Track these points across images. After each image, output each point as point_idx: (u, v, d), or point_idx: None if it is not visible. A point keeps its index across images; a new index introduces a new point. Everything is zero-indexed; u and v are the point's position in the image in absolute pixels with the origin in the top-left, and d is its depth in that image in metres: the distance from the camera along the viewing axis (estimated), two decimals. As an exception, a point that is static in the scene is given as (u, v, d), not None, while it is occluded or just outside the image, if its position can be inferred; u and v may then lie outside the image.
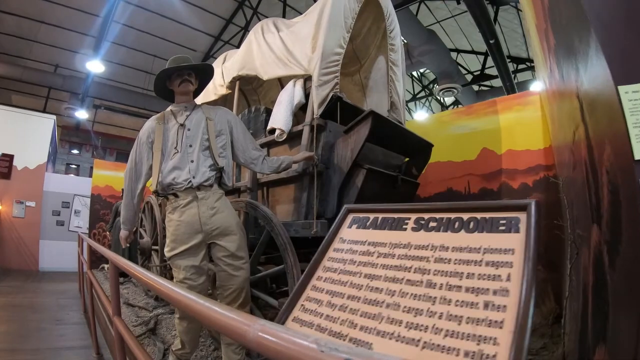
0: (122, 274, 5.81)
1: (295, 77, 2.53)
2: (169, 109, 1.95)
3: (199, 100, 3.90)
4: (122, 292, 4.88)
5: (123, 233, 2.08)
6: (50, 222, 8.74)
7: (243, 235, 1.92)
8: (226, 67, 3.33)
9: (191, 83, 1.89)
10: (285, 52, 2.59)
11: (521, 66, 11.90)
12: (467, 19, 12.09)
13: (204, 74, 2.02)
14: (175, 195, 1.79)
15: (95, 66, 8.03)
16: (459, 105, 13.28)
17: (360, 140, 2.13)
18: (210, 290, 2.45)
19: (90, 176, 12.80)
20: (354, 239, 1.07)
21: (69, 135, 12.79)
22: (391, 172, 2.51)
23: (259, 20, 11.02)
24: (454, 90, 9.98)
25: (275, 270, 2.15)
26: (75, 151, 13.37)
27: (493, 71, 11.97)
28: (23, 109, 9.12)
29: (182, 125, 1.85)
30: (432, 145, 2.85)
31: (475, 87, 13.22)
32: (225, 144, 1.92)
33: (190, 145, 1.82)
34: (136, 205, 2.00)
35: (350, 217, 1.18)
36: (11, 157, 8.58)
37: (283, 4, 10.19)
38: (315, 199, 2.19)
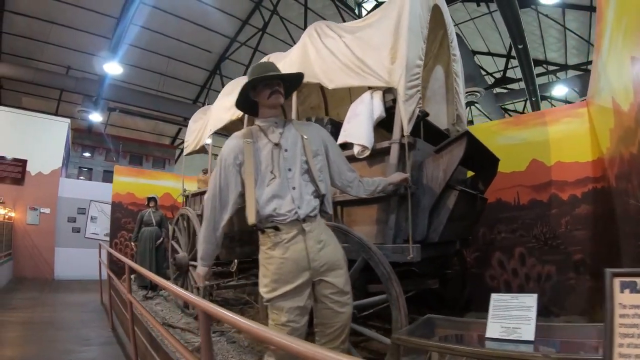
0: (152, 287, 5.36)
1: (371, 88, 2.33)
2: (256, 124, 1.64)
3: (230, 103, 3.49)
4: (154, 308, 4.43)
5: (201, 270, 1.69)
6: (65, 229, 8.28)
7: (347, 268, 1.66)
8: None
9: (282, 95, 1.61)
10: (355, 60, 2.38)
11: (538, 69, 11.53)
12: (486, 22, 11.76)
13: (290, 85, 1.72)
14: (277, 229, 1.49)
15: (112, 68, 7.58)
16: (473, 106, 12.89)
17: (454, 161, 2.01)
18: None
19: (103, 180, 12.39)
20: (636, 303, 0.92)
21: (81, 139, 12.31)
22: (472, 191, 2.39)
23: (283, 21, 10.72)
24: (477, 93, 9.60)
25: (375, 300, 1.93)
26: (87, 154, 12.88)
27: (510, 73, 11.65)
28: (36, 112, 8.65)
29: (277, 145, 1.56)
30: (499, 160, 2.63)
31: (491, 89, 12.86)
32: (322, 165, 1.64)
33: (290, 169, 1.54)
34: (219, 239, 1.65)
35: (616, 281, 1.00)
36: (24, 162, 8.12)
37: (305, 8, 9.77)
38: (408, 221, 1.98)
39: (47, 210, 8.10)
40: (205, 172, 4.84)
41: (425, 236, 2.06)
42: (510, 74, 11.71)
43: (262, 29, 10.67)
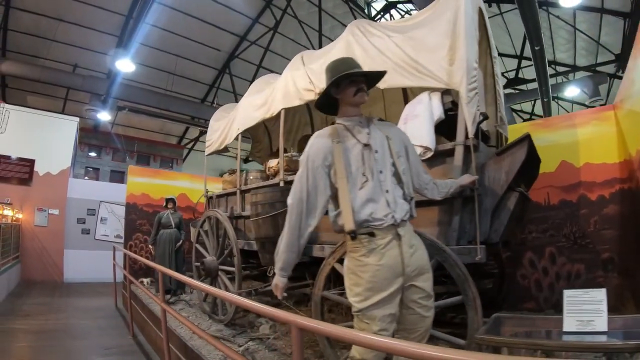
0: (167, 291, 5.08)
1: (429, 89, 2.32)
2: (340, 123, 1.56)
3: (277, 104, 3.24)
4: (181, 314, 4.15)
5: (281, 281, 1.55)
6: (74, 231, 7.98)
7: None
8: (313, 70, 2.92)
9: (367, 93, 1.56)
10: (409, 60, 2.33)
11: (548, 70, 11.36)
12: (496, 23, 11.58)
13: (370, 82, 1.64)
14: (371, 235, 1.41)
15: (125, 65, 7.29)
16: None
17: (516, 164, 2.07)
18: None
19: (111, 180, 12.08)
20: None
21: (88, 138, 11.96)
22: (526, 192, 2.39)
23: (298, 20, 10.47)
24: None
25: (451, 302, 1.90)
26: (92, 154, 12.53)
27: (519, 73, 11.49)
28: (44, 111, 8.33)
29: (367, 145, 1.48)
30: (541, 161, 2.63)
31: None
32: (405, 167, 1.58)
33: (381, 171, 1.47)
34: (302, 247, 1.54)
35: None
36: (32, 162, 7.81)
37: (319, 8, 9.53)
38: (472, 223, 1.99)
39: (55, 212, 7.80)
40: (231, 172, 4.56)
41: (486, 237, 2.04)
42: (519, 74, 11.57)
43: (274, 28, 10.41)
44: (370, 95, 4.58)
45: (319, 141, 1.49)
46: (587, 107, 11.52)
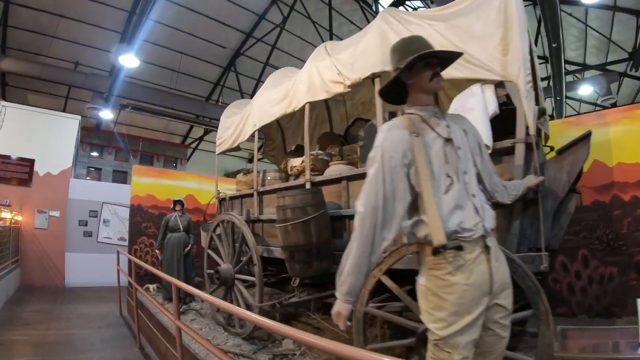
0: (182, 299, 4.73)
1: (481, 81, 2.17)
2: (414, 113, 1.32)
3: (300, 98, 2.96)
4: (191, 326, 3.82)
5: (345, 309, 1.24)
6: (76, 233, 7.63)
7: None
8: (341, 61, 2.70)
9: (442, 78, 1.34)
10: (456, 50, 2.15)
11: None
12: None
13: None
14: (458, 249, 1.18)
15: (129, 60, 6.94)
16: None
17: (579, 163, 1.98)
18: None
19: (113, 181, 11.72)
20: None
21: (89, 137, 11.59)
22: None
23: (310, 18, 10.13)
24: (505, 90, 9.13)
25: (520, 316, 1.68)
26: (94, 154, 12.16)
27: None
28: (44, 109, 7.98)
29: (449, 140, 1.27)
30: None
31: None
32: (481, 167, 1.39)
33: (465, 172, 1.27)
34: (372, 266, 1.29)
35: None
36: (31, 161, 7.46)
37: (329, 6, 9.20)
38: (533, 228, 1.86)
39: (56, 213, 7.45)
40: (246, 172, 4.24)
41: (548, 242, 1.87)
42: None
43: (281, 25, 10.07)
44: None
45: (394, 133, 1.23)
46: (598, 106, 11.27)
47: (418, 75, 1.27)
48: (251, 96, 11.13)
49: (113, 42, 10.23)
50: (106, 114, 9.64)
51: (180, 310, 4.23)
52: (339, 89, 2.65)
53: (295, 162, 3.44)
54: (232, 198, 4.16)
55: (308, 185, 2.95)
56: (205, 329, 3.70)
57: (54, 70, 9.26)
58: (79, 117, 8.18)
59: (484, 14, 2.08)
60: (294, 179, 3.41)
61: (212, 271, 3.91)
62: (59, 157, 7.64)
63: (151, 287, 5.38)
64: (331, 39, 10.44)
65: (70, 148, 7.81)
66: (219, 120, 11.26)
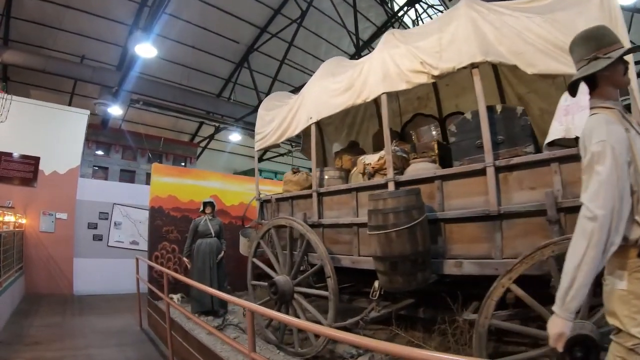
0: (206, 312, 4.13)
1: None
2: (611, 107, 1.22)
3: (373, 88, 2.69)
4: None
5: (566, 327, 1.11)
6: (85, 237, 6.98)
7: None
8: (423, 49, 2.51)
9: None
10: (561, 44, 1.99)
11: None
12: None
13: None
14: None
15: (146, 50, 6.34)
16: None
17: None
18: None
19: (120, 180, 11.02)
20: None
21: (96, 135, 10.90)
22: None
23: (325, 14, 9.63)
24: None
25: None
26: (100, 152, 11.45)
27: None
28: (51, 103, 7.32)
29: None
30: None
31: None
32: None
33: None
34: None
35: None
36: (36, 159, 6.81)
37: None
38: None
39: (63, 216, 6.80)
40: (295, 171, 3.70)
41: None
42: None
43: (299, 20, 9.50)
44: (460, 84, 3.88)
45: (615, 128, 1.16)
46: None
47: (613, 67, 1.21)
48: (266, 95, 10.67)
49: (122, 35, 9.62)
50: (115, 110, 8.97)
51: (218, 325, 3.65)
52: (422, 79, 2.45)
53: (370, 160, 2.95)
54: (280, 200, 3.60)
55: (391, 186, 2.54)
56: (260, 349, 3.11)
57: (59, 63, 8.59)
58: (88, 112, 7.54)
59: (585, 11, 1.97)
60: (368, 178, 2.91)
61: (260, 283, 3.36)
62: (66, 154, 7.00)
63: (175, 297, 4.78)
64: (358, 38, 9.97)
65: (78, 145, 7.18)
66: (231, 117, 10.63)
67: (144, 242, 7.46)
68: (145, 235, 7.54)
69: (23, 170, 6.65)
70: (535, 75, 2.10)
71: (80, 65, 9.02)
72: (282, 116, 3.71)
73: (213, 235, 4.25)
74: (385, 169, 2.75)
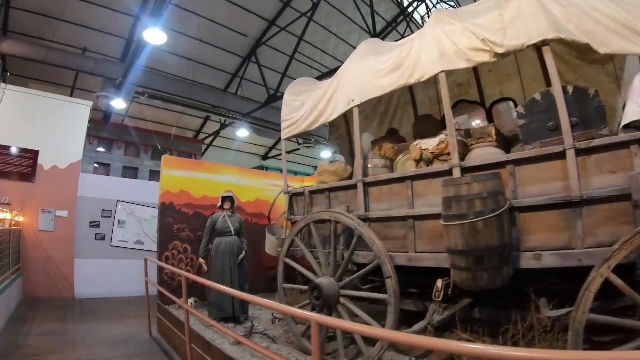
0: (226, 319, 3.63)
1: None
2: None
3: (428, 67, 2.50)
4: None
5: None
6: (87, 236, 6.48)
7: None
8: (484, 27, 2.34)
9: None
10: (632, 25, 1.86)
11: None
12: None
13: None
14: None
15: (154, 36, 5.87)
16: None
17: None
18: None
19: (122, 177, 10.51)
20: None
21: (97, 130, 10.36)
22: None
23: (334, 7, 9.31)
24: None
25: None
26: (101, 149, 10.90)
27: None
28: (51, 94, 6.82)
29: None
30: None
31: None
32: None
33: None
34: None
35: None
36: (35, 153, 6.31)
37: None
38: None
39: (64, 214, 6.29)
40: (332, 160, 3.28)
41: None
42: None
43: (309, 14, 9.08)
44: (503, 70, 3.67)
45: None
46: None
47: None
48: (276, 91, 10.25)
49: (126, 27, 9.13)
50: (118, 104, 8.47)
51: (244, 334, 3.18)
52: (484, 57, 2.29)
53: (428, 145, 2.58)
54: (314, 192, 3.16)
55: (457, 172, 2.22)
56: (292, 363, 2.66)
57: (60, 54, 8.09)
58: (91, 103, 7.05)
59: None
60: (425, 165, 2.58)
61: (296, 287, 2.92)
62: (67, 148, 6.51)
63: (189, 301, 4.30)
64: (374, 25, 9.56)
65: (80, 138, 6.69)
66: (238, 112, 10.11)
67: (149, 242, 6.98)
68: (151, 234, 7.07)
69: (21, 165, 6.14)
70: (586, 59, 2.25)
71: (82, 57, 8.53)
72: (315, 101, 3.31)
73: (233, 233, 3.79)
74: (446, 154, 2.50)
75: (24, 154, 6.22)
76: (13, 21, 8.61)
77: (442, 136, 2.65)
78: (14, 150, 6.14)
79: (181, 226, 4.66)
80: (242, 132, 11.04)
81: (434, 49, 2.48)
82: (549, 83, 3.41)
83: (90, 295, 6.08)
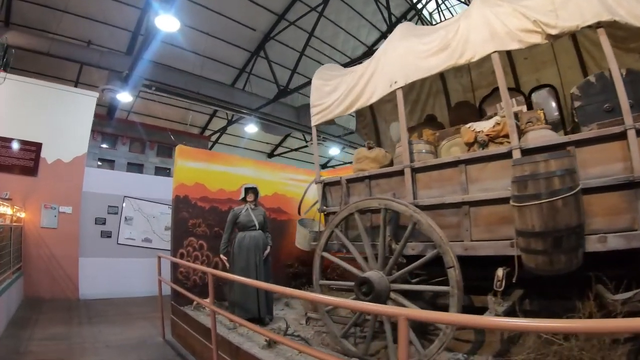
0: (250, 320, 3.25)
1: None
2: None
3: (478, 47, 2.40)
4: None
5: None
6: (92, 234, 6.13)
7: None
8: (532, 8, 2.23)
9: None
10: None
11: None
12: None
13: None
14: None
15: (167, 22, 5.55)
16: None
17: None
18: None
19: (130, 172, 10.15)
20: None
21: (101, 126, 10.01)
22: None
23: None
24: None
25: None
26: (105, 145, 10.54)
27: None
28: (55, 83, 6.48)
29: None
30: None
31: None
32: None
33: None
34: None
35: None
36: (38, 146, 5.96)
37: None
38: None
39: (68, 210, 5.94)
40: (371, 146, 2.96)
41: None
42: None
43: (320, 8, 8.79)
44: (539, 58, 3.58)
45: None
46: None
47: None
48: (286, 86, 9.95)
49: (132, 19, 8.82)
50: (124, 97, 8.13)
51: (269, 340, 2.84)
52: (535, 39, 2.23)
53: (481, 127, 2.49)
54: (351, 181, 2.84)
55: (517, 154, 2.13)
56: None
57: (64, 46, 7.78)
58: (97, 95, 6.71)
59: None
60: (480, 148, 2.46)
61: (338, 283, 2.62)
62: (71, 141, 6.16)
63: (205, 301, 3.96)
64: (393, 24, 9.28)
65: (85, 131, 6.35)
66: (247, 107, 9.77)
67: (158, 239, 6.64)
68: (160, 232, 6.73)
69: (23, 158, 5.79)
70: (622, 47, 2.23)
71: (86, 49, 8.21)
72: (350, 84, 3.06)
73: (257, 227, 3.46)
74: (502, 137, 2.38)
75: (26, 146, 5.86)
76: (16, 13, 8.28)
77: (497, 118, 2.52)
78: (15, 143, 5.78)
79: (196, 221, 4.32)
80: (251, 128, 10.73)
81: (484, 30, 2.39)
82: (585, 70, 3.31)
83: (95, 296, 5.72)
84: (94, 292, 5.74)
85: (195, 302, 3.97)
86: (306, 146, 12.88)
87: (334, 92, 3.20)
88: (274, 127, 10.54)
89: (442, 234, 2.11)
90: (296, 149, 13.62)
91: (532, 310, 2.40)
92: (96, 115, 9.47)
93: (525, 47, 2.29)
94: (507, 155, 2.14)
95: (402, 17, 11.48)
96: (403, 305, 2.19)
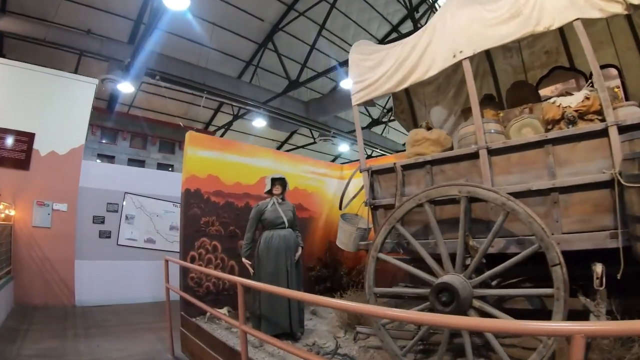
0: (278, 335, 2.64)
1: None
2: None
3: (557, 14, 2.12)
4: None
5: None
6: (89, 234, 5.59)
7: None
8: None
9: None
10: None
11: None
12: None
13: None
14: None
15: (177, 1, 5.06)
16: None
17: None
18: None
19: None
20: None
21: (101, 120, 9.42)
22: None
23: None
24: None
25: None
26: (104, 140, 9.96)
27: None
28: (49, 69, 5.93)
29: None
30: None
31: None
32: None
33: None
34: None
35: None
36: (30, 136, 5.42)
37: None
38: None
39: (63, 207, 5.39)
40: (429, 126, 2.49)
41: None
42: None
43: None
44: (596, 38, 3.20)
45: None
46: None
47: None
48: (297, 78, 9.46)
49: (134, 6, 8.30)
50: (126, 87, 7.58)
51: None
52: (617, 8, 1.99)
53: (568, 102, 2.11)
54: (408, 167, 2.35)
55: (614, 131, 1.82)
56: None
57: (62, 32, 7.25)
58: (96, 81, 6.17)
59: None
60: (569, 126, 2.05)
61: (403, 291, 2.12)
62: (67, 131, 5.62)
63: (221, 311, 3.44)
64: (410, 6, 8.77)
65: (83, 120, 5.82)
66: (256, 100, 9.20)
67: (162, 240, 6.10)
68: (164, 231, 6.18)
69: (13, 150, 5.24)
70: None
71: (86, 36, 7.66)
72: (400, 56, 2.61)
73: (287, 224, 2.94)
74: (592, 113, 2.03)
75: (17, 136, 5.31)
76: (12, 0, 7.75)
77: (585, 92, 2.15)
78: (5, 133, 5.24)
79: (210, 219, 3.79)
80: (259, 122, 10.20)
81: None
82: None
83: (93, 302, 5.16)
84: (91, 298, 5.18)
85: (208, 314, 3.44)
86: (313, 143, 12.36)
87: (379, 66, 2.74)
88: (282, 122, 10.04)
89: (544, 225, 1.69)
90: (302, 146, 13.10)
91: (614, 311, 2.02)
92: (95, 109, 8.93)
93: (606, 16, 2.03)
94: (602, 133, 1.83)
95: (415, 9, 11.04)
96: (490, 316, 1.73)
